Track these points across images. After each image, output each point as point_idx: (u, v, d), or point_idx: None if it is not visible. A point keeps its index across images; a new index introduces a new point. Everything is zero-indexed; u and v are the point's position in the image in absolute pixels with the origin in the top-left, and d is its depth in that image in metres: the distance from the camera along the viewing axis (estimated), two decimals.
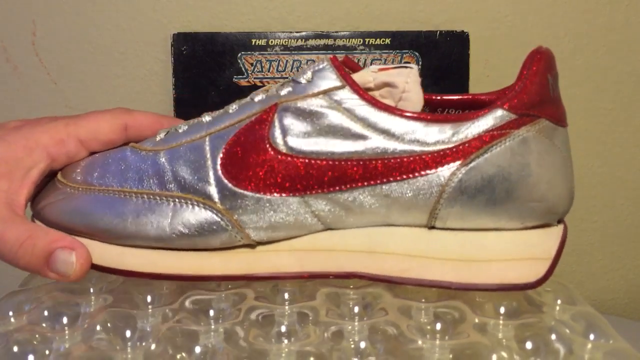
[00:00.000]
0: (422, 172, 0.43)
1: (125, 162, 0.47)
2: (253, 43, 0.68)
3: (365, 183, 0.43)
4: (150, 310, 0.47)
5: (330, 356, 0.42)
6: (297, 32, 0.68)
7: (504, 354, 0.42)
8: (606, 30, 0.73)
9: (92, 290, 0.50)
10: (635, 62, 0.74)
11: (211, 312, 0.46)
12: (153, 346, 0.42)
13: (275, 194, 0.44)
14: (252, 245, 0.45)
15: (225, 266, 0.45)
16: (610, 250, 0.79)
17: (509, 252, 0.45)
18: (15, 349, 0.43)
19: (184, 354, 0.43)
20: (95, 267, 0.45)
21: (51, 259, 0.43)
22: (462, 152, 0.43)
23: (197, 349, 0.42)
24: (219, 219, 0.44)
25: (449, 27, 0.72)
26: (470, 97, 0.49)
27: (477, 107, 0.48)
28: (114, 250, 0.45)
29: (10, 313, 0.47)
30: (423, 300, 0.48)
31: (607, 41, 0.74)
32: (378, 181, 0.43)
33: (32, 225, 0.45)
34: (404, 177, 0.43)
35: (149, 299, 0.48)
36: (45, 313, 0.47)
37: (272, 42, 0.67)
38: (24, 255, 0.44)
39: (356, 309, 0.47)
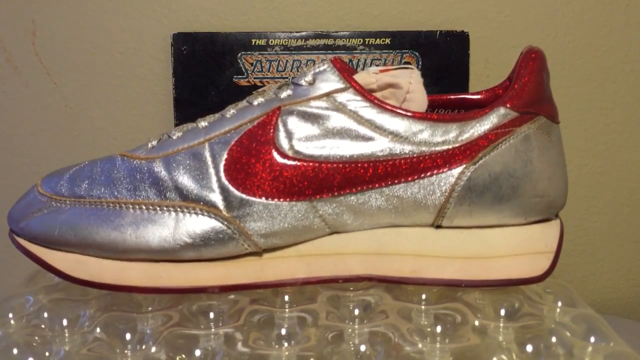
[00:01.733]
0: (432, 172, 0.43)
1: (117, 172, 0.45)
2: (253, 43, 0.67)
3: (376, 185, 0.43)
4: (150, 313, 0.47)
5: (330, 359, 0.42)
6: (297, 32, 0.67)
7: (504, 357, 0.42)
8: (606, 30, 0.73)
9: (92, 292, 0.50)
10: (634, 62, 0.74)
11: (211, 315, 0.46)
12: (153, 349, 0.42)
13: (283, 200, 0.43)
14: (258, 252, 0.45)
15: (231, 276, 0.45)
16: (610, 250, 0.79)
17: (514, 248, 0.45)
18: (15, 351, 0.43)
19: (183, 356, 0.43)
20: (92, 284, 0.44)
21: None
22: (470, 150, 0.43)
23: (197, 352, 0.42)
24: (226, 227, 0.43)
25: (449, 27, 0.72)
26: (462, 96, 0.49)
27: (470, 106, 0.48)
28: (112, 265, 0.44)
29: (10, 315, 0.47)
30: (423, 302, 0.48)
31: (607, 41, 0.74)
32: (389, 182, 0.43)
33: None
34: (415, 177, 0.43)
35: (149, 301, 0.48)
36: (45, 315, 0.47)
37: (272, 42, 0.67)
38: None
39: (356, 312, 0.47)
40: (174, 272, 0.44)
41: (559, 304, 0.49)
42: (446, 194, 0.44)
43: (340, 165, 0.43)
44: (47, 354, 0.43)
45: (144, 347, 0.43)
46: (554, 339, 0.44)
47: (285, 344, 0.43)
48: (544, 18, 0.73)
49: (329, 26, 0.72)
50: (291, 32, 0.67)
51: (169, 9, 0.71)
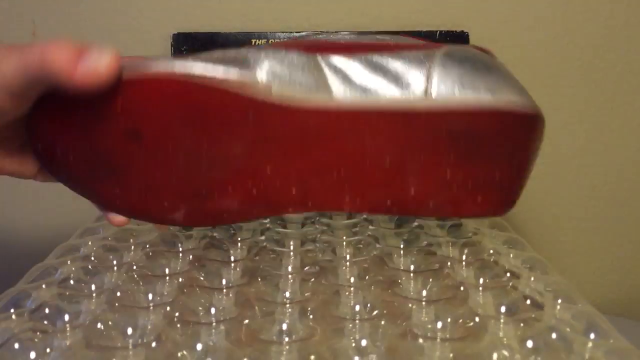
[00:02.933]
0: (411, 50, 0.45)
1: None
2: (253, 43, 0.68)
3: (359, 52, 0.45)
4: (151, 308, 0.47)
5: (331, 354, 0.42)
6: (297, 32, 0.68)
7: (505, 353, 0.42)
8: (606, 30, 0.74)
9: (93, 287, 0.50)
10: (635, 62, 0.75)
11: (212, 310, 0.46)
12: (154, 343, 0.42)
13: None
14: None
15: None
16: (610, 250, 0.79)
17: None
18: (17, 345, 0.43)
19: (185, 352, 0.43)
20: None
21: (83, 53, 0.39)
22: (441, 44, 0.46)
23: (199, 347, 0.42)
24: None
25: (449, 27, 0.72)
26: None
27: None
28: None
29: (12, 310, 0.47)
30: (424, 298, 0.48)
31: (607, 41, 0.74)
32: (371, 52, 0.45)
33: None
34: (395, 50, 0.45)
35: (150, 296, 0.49)
36: (47, 310, 0.47)
37: (272, 42, 0.67)
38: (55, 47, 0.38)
39: (357, 307, 0.47)
40: None
41: (559, 300, 0.49)
42: (427, 62, 0.45)
43: None
44: (48, 349, 0.43)
45: (145, 341, 0.43)
46: (554, 336, 0.44)
47: (286, 339, 0.44)
48: (544, 18, 0.73)
49: (329, 26, 0.72)
50: (291, 32, 0.68)
51: (169, 9, 0.72)
